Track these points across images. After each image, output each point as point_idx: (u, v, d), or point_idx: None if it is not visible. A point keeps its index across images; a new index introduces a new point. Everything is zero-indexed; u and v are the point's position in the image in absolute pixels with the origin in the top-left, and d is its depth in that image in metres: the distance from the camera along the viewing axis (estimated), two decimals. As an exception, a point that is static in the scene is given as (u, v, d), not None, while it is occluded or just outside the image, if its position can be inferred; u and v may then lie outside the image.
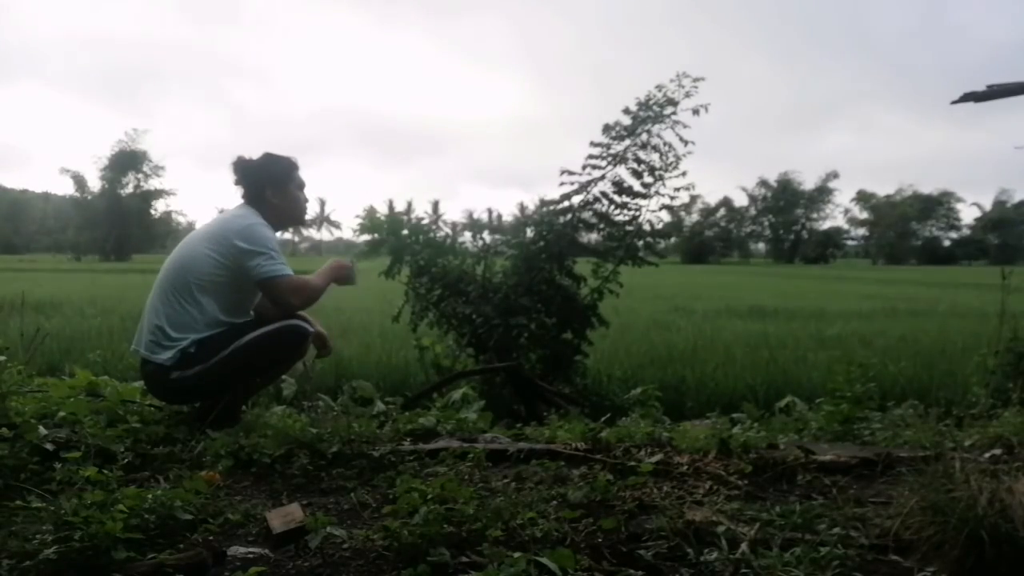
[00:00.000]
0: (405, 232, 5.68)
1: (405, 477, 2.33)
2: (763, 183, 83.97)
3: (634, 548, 1.95)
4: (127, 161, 61.61)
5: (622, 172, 5.67)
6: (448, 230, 6.45)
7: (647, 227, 5.75)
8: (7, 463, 2.45)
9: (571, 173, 5.68)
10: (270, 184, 3.45)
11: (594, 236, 5.91)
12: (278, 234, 3.47)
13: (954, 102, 3.02)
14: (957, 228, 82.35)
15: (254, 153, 3.51)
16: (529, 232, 5.98)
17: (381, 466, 2.69)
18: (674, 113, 5.54)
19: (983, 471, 1.97)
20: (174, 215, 67.65)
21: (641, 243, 5.76)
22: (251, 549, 1.99)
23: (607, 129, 5.66)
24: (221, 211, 3.78)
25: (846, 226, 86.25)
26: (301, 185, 3.56)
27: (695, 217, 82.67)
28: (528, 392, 5.07)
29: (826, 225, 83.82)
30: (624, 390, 5.56)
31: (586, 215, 5.77)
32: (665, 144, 5.57)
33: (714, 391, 6.27)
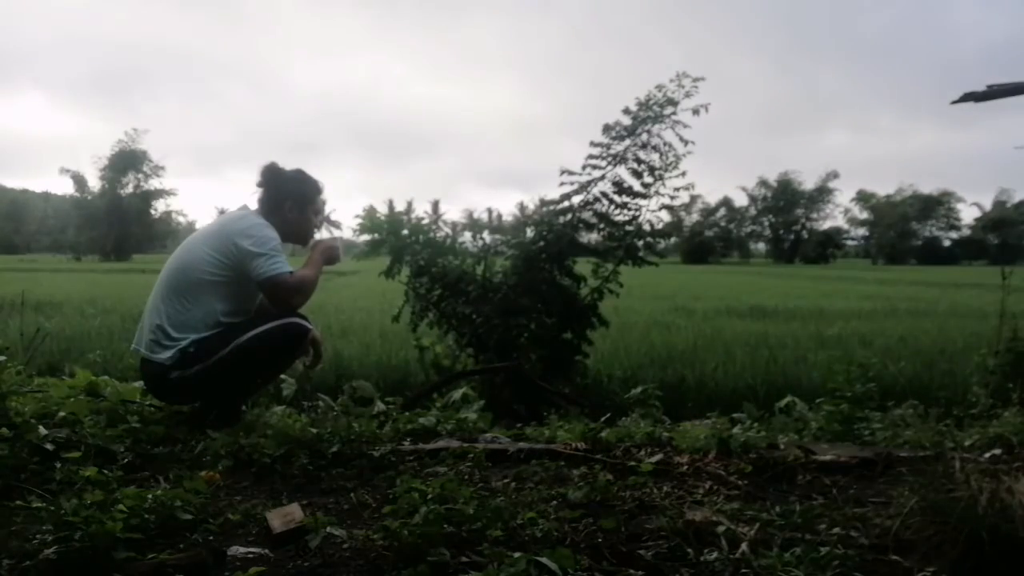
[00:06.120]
0: (405, 232, 5.68)
1: (405, 477, 2.34)
2: (763, 183, 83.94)
3: (634, 548, 1.95)
4: (127, 161, 61.67)
5: (622, 172, 5.67)
6: (448, 230, 6.44)
7: (647, 227, 5.74)
8: (7, 463, 2.45)
9: (571, 173, 5.67)
10: (293, 198, 3.50)
11: (594, 236, 5.90)
12: None
13: (954, 102, 3.02)
14: (957, 228, 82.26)
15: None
16: (529, 232, 5.97)
17: (381, 466, 2.69)
18: (674, 113, 5.53)
19: (983, 471, 1.97)
20: (174, 215, 67.83)
21: (641, 243, 5.75)
22: (251, 549, 1.99)
23: (607, 129, 5.65)
24: (222, 211, 3.80)
25: (846, 226, 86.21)
26: (318, 211, 3.63)
27: (695, 217, 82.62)
28: (528, 392, 5.07)
29: (826, 225, 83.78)
30: (624, 390, 5.55)
31: (586, 215, 5.76)
32: (665, 144, 5.56)
33: (714, 391, 6.27)
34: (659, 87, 5.60)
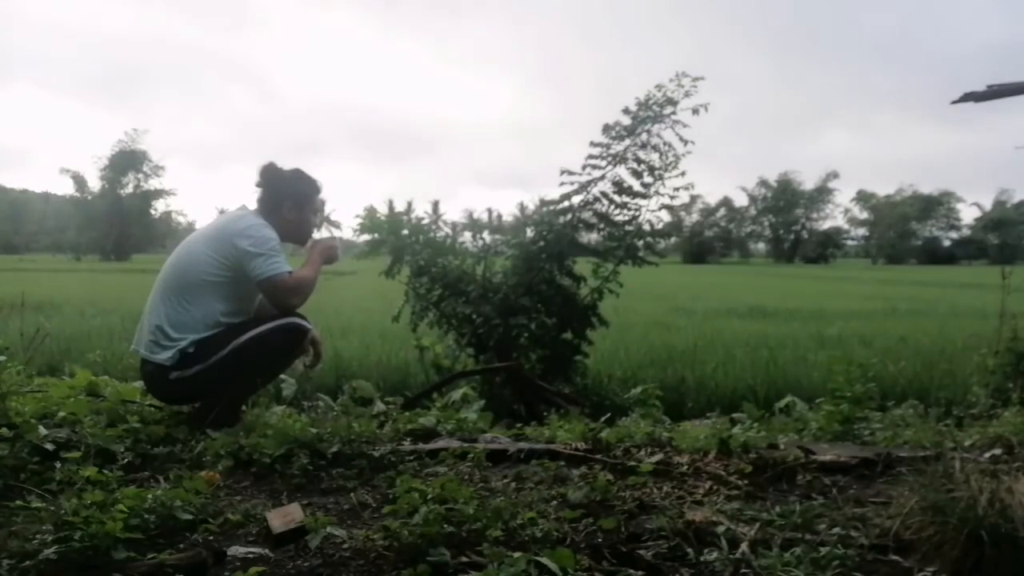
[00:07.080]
0: (405, 232, 5.68)
1: (405, 477, 2.34)
2: (763, 183, 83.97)
3: (634, 548, 1.95)
4: (127, 161, 61.68)
5: (622, 172, 5.67)
6: (448, 230, 6.41)
7: (647, 227, 5.74)
8: (7, 463, 2.45)
9: (571, 173, 5.67)
10: (291, 198, 3.50)
11: (594, 236, 5.90)
12: None
13: (954, 102, 3.03)
14: (957, 228, 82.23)
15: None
16: (529, 232, 5.97)
17: (381, 466, 2.70)
18: (674, 113, 5.53)
19: (983, 471, 1.97)
20: (174, 215, 67.80)
21: (641, 243, 5.75)
22: (251, 549, 1.99)
23: (607, 129, 5.65)
24: (221, 211, 3.80)
25: (846, 226, 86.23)
26: (316, 210, 3.63)
27: (695, 217, 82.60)
28: (528, 392, 5.07)
29: (826, 225, 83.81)
30: (624, 390, 5.55)
31: (586, 215, 5.76)
32: (665, 144, 5.56)
33: (714, 391, 6.27)
34: (659, 87, 5.60)
